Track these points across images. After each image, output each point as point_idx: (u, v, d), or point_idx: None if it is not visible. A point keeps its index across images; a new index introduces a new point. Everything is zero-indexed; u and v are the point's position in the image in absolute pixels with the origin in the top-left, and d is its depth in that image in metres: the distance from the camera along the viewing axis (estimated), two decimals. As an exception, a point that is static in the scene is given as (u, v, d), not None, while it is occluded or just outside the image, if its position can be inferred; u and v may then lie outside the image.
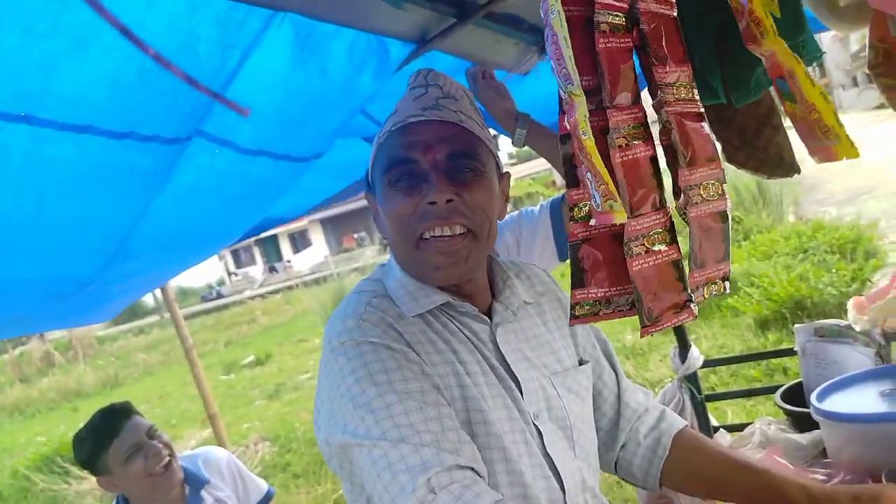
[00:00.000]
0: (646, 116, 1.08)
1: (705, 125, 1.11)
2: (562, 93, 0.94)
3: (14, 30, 0.89)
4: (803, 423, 1.78)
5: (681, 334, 2.38)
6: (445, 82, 1.14)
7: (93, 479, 6.73)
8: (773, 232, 8.85)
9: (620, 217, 0.89)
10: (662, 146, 1.11)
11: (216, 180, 1.52)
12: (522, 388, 1.10)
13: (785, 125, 1.70)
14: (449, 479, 0.90)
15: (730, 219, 1.15)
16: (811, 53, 1.38)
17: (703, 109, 1.12)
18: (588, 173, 0.91)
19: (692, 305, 1.07)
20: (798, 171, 1.74)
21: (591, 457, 1.18)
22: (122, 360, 17.70)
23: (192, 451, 2.30)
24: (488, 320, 1.14)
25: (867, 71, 1.38)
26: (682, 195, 1.09)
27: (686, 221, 1.08)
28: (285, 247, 42.72)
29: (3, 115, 0.97)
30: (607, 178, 0.89)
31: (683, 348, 2.37)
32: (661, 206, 1.05)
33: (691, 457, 1.26)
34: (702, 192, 1.09)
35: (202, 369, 4.31)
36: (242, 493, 2.23)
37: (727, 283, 1.17)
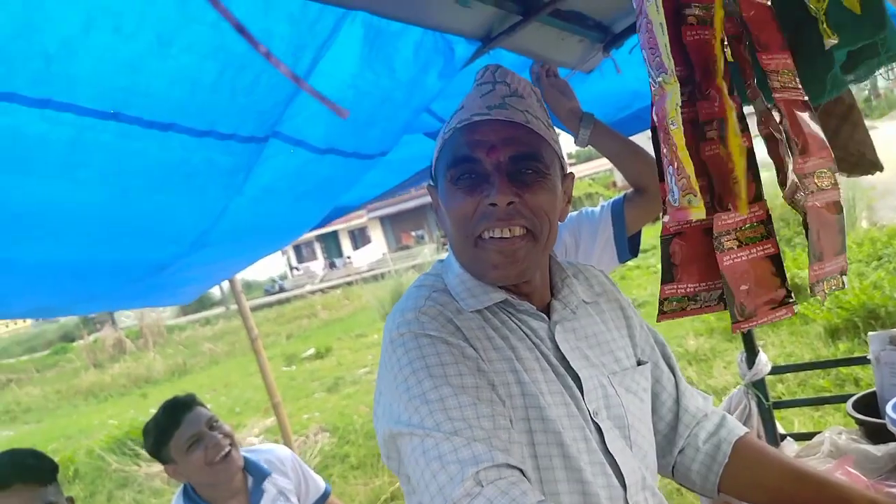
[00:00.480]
0: (741, 107, 1.06)
1: (812, 114, 1.07)
2: (652, 83, 0.92)
3: (105, 30, 0.94)
4: (877, 434, 1.71)
5: (749, 339, 2.32)
6: (513, 79, 1.13)
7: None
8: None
9: (698, 213, 0.88)
10: (762, 136, 1.08)
11: (289, 179, 1.56)
12: (583, 386, 1.09)
13: (866, 123, 1.65)
14: (497, 474, 0.91)
15: (844, 209, 1.11)
16: (892, 49, 1.33)
17: (807, 98, 1.09)
18: (669, 166, 0.89)
19: (792, 302, 1.04)
20: (881, 168, 1.68)
21: (649, 457, 1.17)
22: (189, 349, 18.29)
23: (259, 446, 2.39)
24: (547, 318, 1.14)
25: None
26: (787, 185, 1.06)
27: (798, 211, 1.05)
28: (345, 243, 43.30)
29: (95, 112, 1.03)
30: (690, 170, 0.87)
31: (751, 353, 2.30)
32: (756, 199, 1.03)
33: (752, 464, 1.23)
34: (816, 182, 1.06)
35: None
36: (304, 489, 2.31)
37: (845, 279, 1.13)
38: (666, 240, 1.03)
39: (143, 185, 1.24)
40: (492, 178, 1.05)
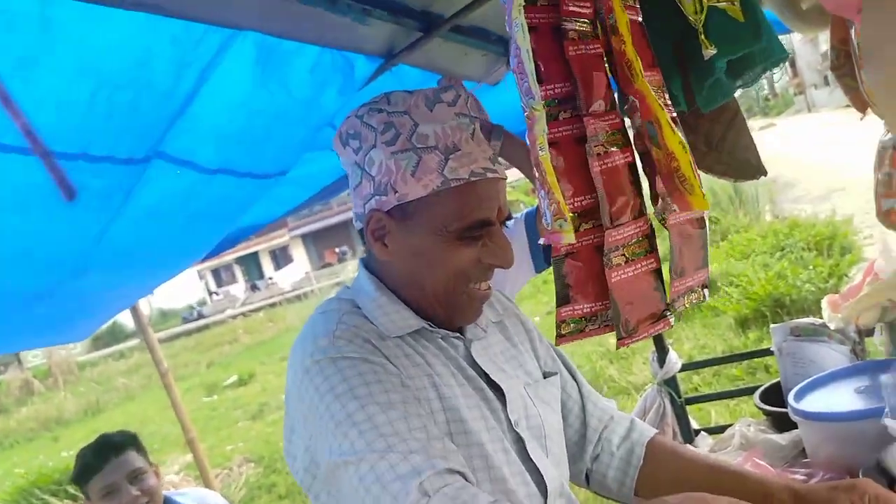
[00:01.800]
0: (623, 122, 1.07)
1: (679, 130, 1.10)
2: (524, 108, 0.93)
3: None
4: (782, 423, 1.78)
5: (658, 338, 2.38)
6: (480, 112, 1.09)
7: (73, 510, 6.48)
8: (750, 231, 8.94)
9: (568, 237, 0.88)
10: (638, 152, 1.10)
11: (177, 201, 1.49)
12: (506, 396, 1.09)
13: (750, 129, 1.73)
14: (441, 482, 0.87)
15: (707, 224, 1.14)
16: (777, 55, 1.39)
17: (675, 114, 1.11)
18: (542, 190, 0.90)
19: (669, 315, 1.06)
20: (764, 173, 1.75)
21: (563, 465, 1.18)
22: (103, 386, 17.40)
23: (188, 490, 2.38)
24: (462, 336, 1.14)
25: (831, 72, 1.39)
26: (660, 200, 1.08)
27: (665, 227, 1.07)
28: (266, 263, 42.34)
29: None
30: (559, 196, 0.88)
31: (661, 352, 2.37)
32: (640, 213, 1.04)
33: (667, 464, 1.25)
34: None
35: (182, 392, 4.25)
36: None
37: (706, 291, 1.16)
38: (558, 261, 1.02)
39: (4, 209, 1.16)
40: (495, 240, 1.04)
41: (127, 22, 1.01)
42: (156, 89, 1.11)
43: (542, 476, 1.08)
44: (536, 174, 0.92)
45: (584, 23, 1.01)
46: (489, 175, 1.02)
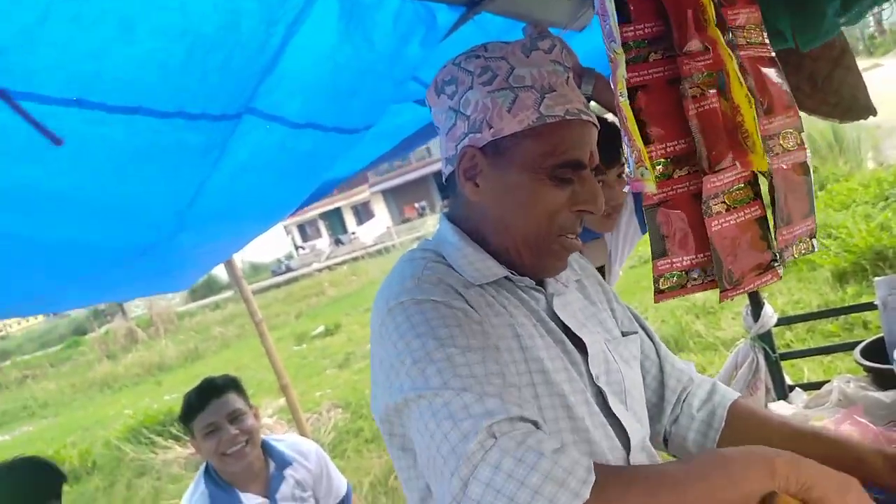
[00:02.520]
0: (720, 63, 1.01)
1: (778, 71, 1.03)
2: (607, 51, 0.89)
3: (64, 20, 0.91)
4: (885, 380, 1.70)
5: (753, 292, 2.29)
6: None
7: (177, 448, 7.04)
8: (850, 180, 8.43)
9: (650, 186, 0.85)
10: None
11: (269, 155, 1.54)
12: (588, 350, 1.09)
13: (872, 61, 1.61)
14: (511, 427, 0.87)
15: (811, 171, 1.07)
16: None
17: (774, 54, 1.05)
18: (625, 137, 0.86)
19: (777, 266, 1.01)
20: (874, 112, 1.64)
21: (644, 422, 1.18)
22: (200, 335, 18.43)
23: (285, 436, 2.49)
24: (543, 290, 1.14)
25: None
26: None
27: (764, 175, 1.02)
28: (349, 218, 43.29)
29: (57, 100, 1.00)
30: (640, 143, 0.84)
31: (756, 306, 2.28)
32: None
33: (749, 427, 1.22)
34: (781, 143, 1.02)
35: (274, 341, 4.44)
36: (325, 486, 2.36)
37: (814, 241, 1.10)
38: (650, 210, 0.98)
39: (112, 168, 1.23)
40: (586, 185, 1.03)
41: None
42: (246, 47, 1.13)
43: (624, 429, 1.08)
44: (619, 120, 0.89)
45: None
46: (583, 117, 1.02)
